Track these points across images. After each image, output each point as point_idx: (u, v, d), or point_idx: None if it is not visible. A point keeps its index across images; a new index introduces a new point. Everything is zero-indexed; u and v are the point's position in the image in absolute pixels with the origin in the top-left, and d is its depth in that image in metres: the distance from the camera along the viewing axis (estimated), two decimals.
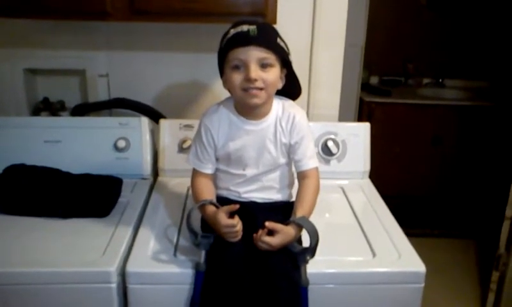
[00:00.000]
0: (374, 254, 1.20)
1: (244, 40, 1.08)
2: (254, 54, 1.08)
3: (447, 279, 2.49)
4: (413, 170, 3.21)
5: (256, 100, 1.12)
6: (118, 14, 1.41)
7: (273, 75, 1.11)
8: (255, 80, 1.08)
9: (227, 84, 1.15)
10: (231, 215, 1.11)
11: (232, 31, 1.11)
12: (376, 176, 1.65)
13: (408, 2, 3.40)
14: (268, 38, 1.11)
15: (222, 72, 1.17)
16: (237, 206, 1.10)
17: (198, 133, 1.23)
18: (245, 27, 1.09)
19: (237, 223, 1.09)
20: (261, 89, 1.10)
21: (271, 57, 1.10)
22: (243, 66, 1.09)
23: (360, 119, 3.05)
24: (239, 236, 1.10)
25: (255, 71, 1.08)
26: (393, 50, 3.45)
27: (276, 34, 1.14)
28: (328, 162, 1.58)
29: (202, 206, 1.16)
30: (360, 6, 2.80)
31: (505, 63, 3.35)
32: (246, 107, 1.16)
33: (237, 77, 1.10)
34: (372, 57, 3.18)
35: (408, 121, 3.13)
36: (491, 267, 2.20)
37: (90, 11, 1.41)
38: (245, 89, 1.10)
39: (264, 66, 1.09)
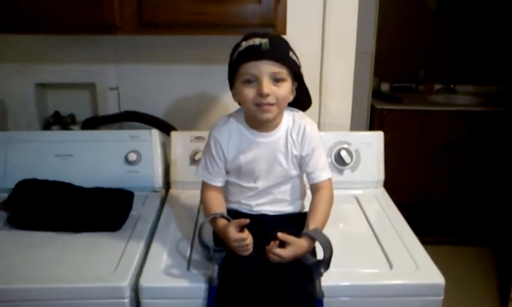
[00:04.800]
0: (390, 266, 1.17)
1: (256, 54, 1.06)
2: (266, 69, 1.06)
3: (464, 289, 2.44)
4: (427, 177, 3.18)
5: (268, 115, 1.10)
6: (127, 27, 1.41)
7: (285, 90, 1.10)
8: (268, 95, 1.07)
9: (238, 97, 1.14)
10: (242, 228, 1.09)
11: (244, 44, 1.09)
12: (389, 183, 1.62)
13: (417, 8, 3.39)
14: (280, 52, 1.09)
15: (232, 84, 1.15)
16: (247, 220, 1.08)
17: (208, 145, 1.21)
18: (257, 40, 1.07)
19: (247, 237, 1.07)
20: (273, 104, 1.09)
21: (283, 72, 1.08)
22: (255, 81, 1.07)
23: (371, 126, 3.03)
24: (250, 250, 1.08)
25: (267, 87, 1.06)
26: (403, 56, 3.44)
27: (288, 47, 1.13)
28: (341, 172, 1.56)
29: (213, 220, 1.15)
30: (370, 12, 2.80)
31: None
32: (258, 121, 1.14)
33: (249, 91, 1.08)
34: (382, 64, 3.17)
35: (420, 128, 3.10)
36: (510, 275, 2.15)
37: (99, 25, 1.41)
38: (257, 104, 1.09)
39: (276, 80, 1.08)
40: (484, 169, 3.17)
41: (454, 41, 3.45)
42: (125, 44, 1.74)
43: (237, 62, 1.09)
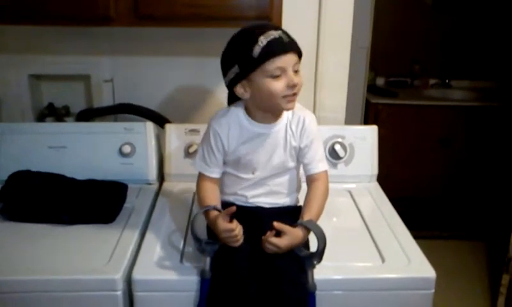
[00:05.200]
0: (382, 260, 1.18)
1: (283, 47, 1.06)
2: (291, 60, 1.07)
3: (456, 282, 2.47)
4: (421, 172, 3.19)
5: (293, 105, 1.12)
6: (122, 19, 1.41)
7: (302, 79, 1.11)
8: (296, 85, 1.08)
9: (258, 93, 1.10)
10: (231, 219, 1.09)
11: (263, 39, 1.05)
12: (383, 178, 1.63)
13: (413, 2, 3.38)
14: (296, 42, 1.10)
15: (239, 80, 1.10)
16: (234, 208, 1.07)
17: (206, 137, 1.21)
18: (275, 33, 1.06)
19: (235, 227, 1.07)
20: (296, 94, 1.10)
21: (299, 61, 1.10)
22: (281, 74, 1.07)
23: (366, 120, 3.03)
24: (240, 241, 1.09)
25: (296, 77, 1.08)
26: (399, 51, 3.43)
27: None
28: (335, 165, 1.56)
29: (206, 212, 1.15)
30: (365, 7, 2.79)
31: None
32: (277, 112, 1.16)
33: (278, 85, 1.07)
34: (377, 59, 3.17)
35: (415, 123, 3.11)
36: (501, 269, 2.17)
37: (94, 17, 1.41)
38: (285, 96, 1.09)
39: (295, 71, 1.09)
40: (479, 164, 3.19)
41: (450, 36, 3.45)
42: (121, 36, 1.73)
43: (263, 58, 1.05)
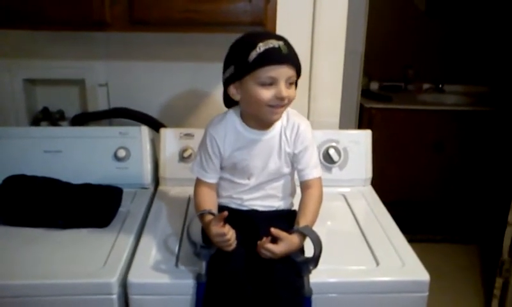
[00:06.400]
0: (377, 263, 1.19)
1: (278, 58, 1.05)
2: (285, 73, 1.07)
3: (450, 285, 2.48)
4: (415, 175, 3.21)
5: (278, 116, 1.13)
6: (117, 24, 1.41)
7: (295, 92, 1.11)
8: (285, 98, 1.08)
9: (245, 97, 1.11)
10: (225, 223, 1.09)
11: (262, 46, 1.05)
12: (377, 182, 1.64)
13: (407, 8, 3.41)
14: (295, 56, 1.10)
15: (232, 82, 1.12)
16: (226, 213, 1.07)
17: (203, 143, 1.22)
18: (275, 43, 1.06)
19: (227, 232, 1.07)
20: (284, 106, 1.10)
21: (295, 76, 1.10)
22: (273, 83, 1.07)
23: (360, 125, 3.05)
24: (232, 246, 1.09)
25: (286, 90, 1.07)
26: (392, 56, 3.46)
27: (295, 49, 1.13)
28: (329, 169, 1.57)
29: (202, 216, 1.15)
30: (359, 12, 2.80)
31: (505, 68, 3.36)
32: (264, 121, 1.15)
33: (265, 93, 1.07)
34: (371, 63, 3.18)
35: (409, 127, 3.13)
36: (494, 272, 2.19)
37: (89, 22, 1.41)
38: (271, 106, 1.09)
39: (289, 83, 1.09)
40: (472, 168, 3.21)
41: (443, 41, 3.48)
42: (116, 40, 1.74)
43: (257, 64, 1.06)
